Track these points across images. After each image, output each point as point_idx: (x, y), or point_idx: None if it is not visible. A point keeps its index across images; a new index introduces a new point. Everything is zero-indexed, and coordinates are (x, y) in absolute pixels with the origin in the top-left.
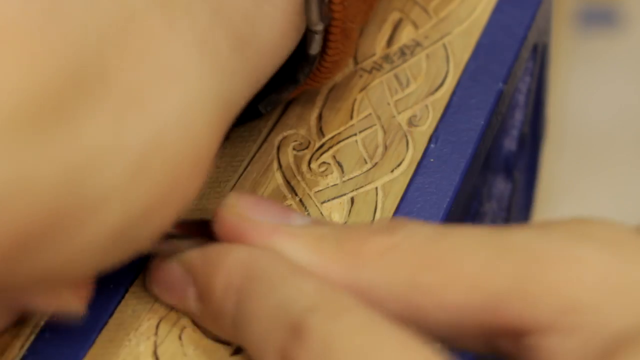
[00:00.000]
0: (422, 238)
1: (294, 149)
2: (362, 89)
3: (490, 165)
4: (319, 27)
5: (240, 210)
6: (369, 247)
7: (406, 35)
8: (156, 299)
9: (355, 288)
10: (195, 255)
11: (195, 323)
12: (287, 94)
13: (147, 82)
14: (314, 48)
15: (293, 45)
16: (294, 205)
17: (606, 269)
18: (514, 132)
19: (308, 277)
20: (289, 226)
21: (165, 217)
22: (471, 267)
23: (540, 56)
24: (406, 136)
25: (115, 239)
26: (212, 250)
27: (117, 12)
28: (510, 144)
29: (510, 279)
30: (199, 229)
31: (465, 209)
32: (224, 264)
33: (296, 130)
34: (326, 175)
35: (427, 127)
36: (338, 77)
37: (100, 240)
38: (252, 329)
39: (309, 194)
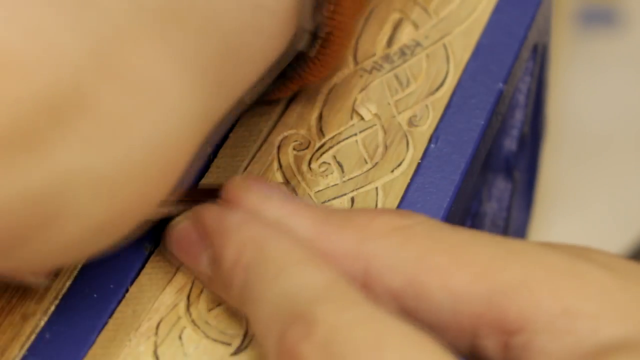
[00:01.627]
0: (434, 226)
1: (294, 149)
2: (362, 89)
3: (490, 165)
4: (311, 27)
5: (249, 185)
6: (379, 223)
7: (406, 35)
8: (156, 299)
9: (360, 258)
10: (211, 218)
11: (195, 323)
12: (275, 89)
13: (125, 107)
14: (306, 46)
15: (283, 47)
16: None
17: (605, 284)
18: (514, 132)
19: (318, 266)
20: (298, 202)
21: (130, 224)
22: (480, 257)
23: (540, 56)
24: (406, 136)
25: (80, 243)
26: (227, 218)
27: (101, 34)
28: (510, 144)
29: (516, 276)
30: (205, 196)
31: (465, 209)
32: (237, 236)
33: (296, 130)
34: (326, 175)
35: (427, 127)
36: (338, 77)
37: (64, 245)
38: (256, 310)
39: (309, 194)
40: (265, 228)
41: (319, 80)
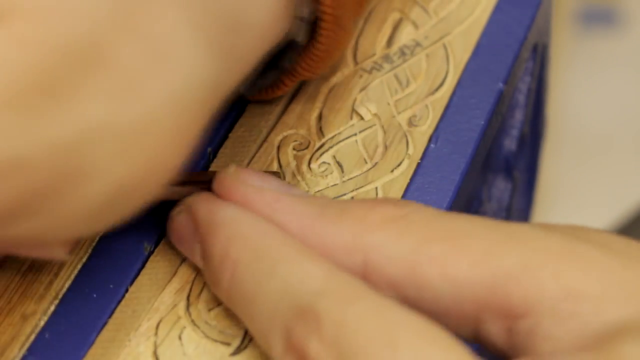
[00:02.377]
0: (430, 214)
1: (294, 149)
2: (362, 89)
3: (490, 165)
4: (305, 13)
5: (242, 176)
6: (375, 214)
7: (406, 35)
8: (156, 299)
9: (358, 250)
10: (202, 212)
11: (195, 323)
12: (271, 80)
13: (143, 62)
14: (300, 35)
15: (282, 32)
16: None
17: (606, 265)
18: (514, 132)
19: (316, 260)
20: (291, 194)
21: (149, 188)
22: (478, 244)
23: (540, 56)
24: (406, 136)
25: (102, 206)
26: (218, 212)
27: None
28: (510, 144)
29: (517, 260)
30: (204, 184)
31: (465, 209)
32: (225, 232)
33: (296, 130)
34: (326, 175)
35: (427, 127)
36: (338, 77)
37: (87, 207)
38: (252, 308)
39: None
40: (256, 223)
41: (313, 76)
